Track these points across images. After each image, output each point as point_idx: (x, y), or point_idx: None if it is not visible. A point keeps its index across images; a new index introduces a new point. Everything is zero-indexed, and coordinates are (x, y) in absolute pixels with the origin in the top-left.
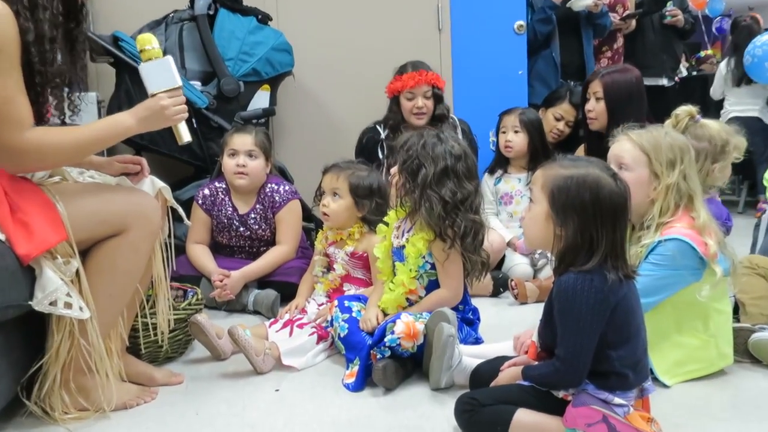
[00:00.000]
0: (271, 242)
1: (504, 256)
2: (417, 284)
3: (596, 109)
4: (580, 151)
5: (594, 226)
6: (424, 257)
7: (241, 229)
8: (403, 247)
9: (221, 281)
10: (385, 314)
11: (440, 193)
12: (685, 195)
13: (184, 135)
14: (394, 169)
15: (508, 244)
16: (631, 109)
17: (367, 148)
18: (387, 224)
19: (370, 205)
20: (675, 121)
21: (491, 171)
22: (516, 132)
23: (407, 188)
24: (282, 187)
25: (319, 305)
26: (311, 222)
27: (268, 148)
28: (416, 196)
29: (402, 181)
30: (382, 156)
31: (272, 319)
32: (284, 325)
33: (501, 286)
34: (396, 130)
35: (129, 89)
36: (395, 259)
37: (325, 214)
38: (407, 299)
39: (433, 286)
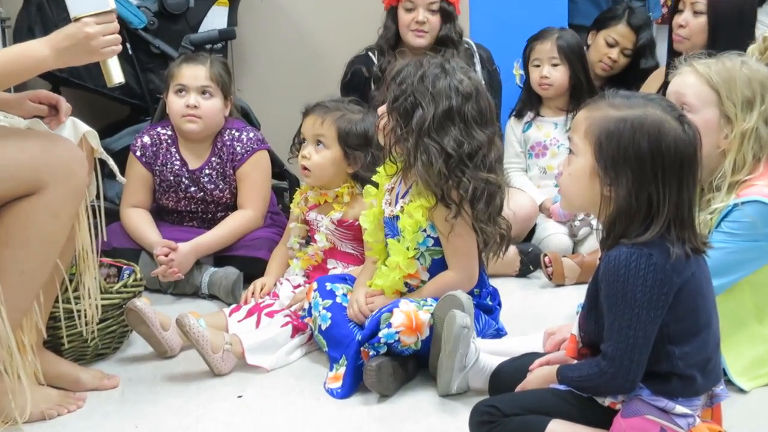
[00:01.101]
0: (232, 206)
1: (535, 224)
2: (417, 266)
3: (692, 25)
4: (654, 82)
5: (654, 185)
6: (425, 231)
7: (192, 188)
8: (397, 217)
9: (166, 256)
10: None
11: (441, 142)
12: (766, 145)
13: (115, 74)
14: (381, 109)
15: (541, 208)
16: (739, 32)
17: (354, 82)
18: (376, 186)
19: (365, 158)
20: (763, 46)
21: (518, 114)
22: (554, 65)
23: (398, 135)
24: (245, 134)
25: (295, 287)
26: (284, 180)
27: (227, 82)
28: (410, 146)
29: (392, 125)
30: (376, 92)
31: (233, 306)
32: (249, 314)
33: (531, 262)
34: (388, 55)
35: (43, 4)
36: (388, 233)
37: (305, 168)
38: (406, 284)
39: (438, 267)
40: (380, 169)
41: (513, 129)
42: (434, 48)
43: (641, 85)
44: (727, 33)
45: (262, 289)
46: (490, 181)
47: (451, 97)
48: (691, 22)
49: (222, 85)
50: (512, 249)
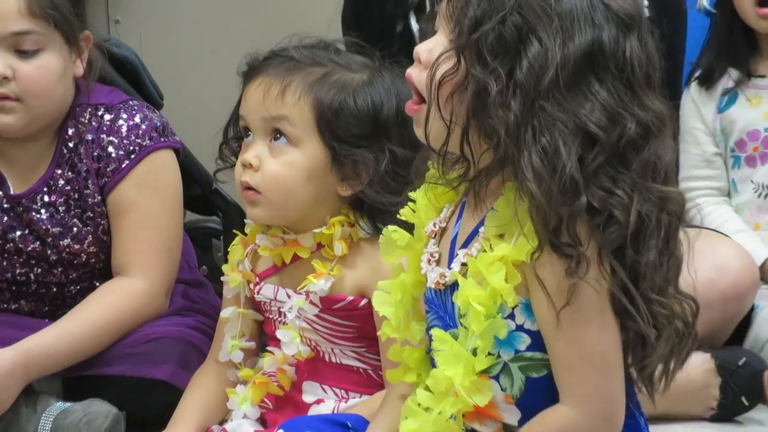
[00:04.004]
0: (102, 271)
1: (753, 307)
2: (493, 391)
3: None
4: None
5: None
6: (511, 316)
7: (17, 233)
8: (454, 287)
9: None
10: None
11: (577, 114)
12: None
13: None
14: (435, 43)
15: (763, 271)
16: None
17: (367, 8)
18: (409, 228)
19: (376, 164)
20: None
21: (707, 77)
22: None
23: (480, 99)
24: (126, 117)
25: None
26: (212, 214)
27: (70, 12)
28: (510, 121)
29: (463, 77)
30: (416, 33)
31: None
32: None
33: (742, 389)
34: None
35: None
36: (434, 321)
37: (249, 188)
38: None
39: (538, 395)
40: (418, 193)
41: (697, 108)
42: None
43: None
44: None
45: None
46: (670, 202)
47: (597, 24)
48: None
49: (58, 21)
50: (702, 360)
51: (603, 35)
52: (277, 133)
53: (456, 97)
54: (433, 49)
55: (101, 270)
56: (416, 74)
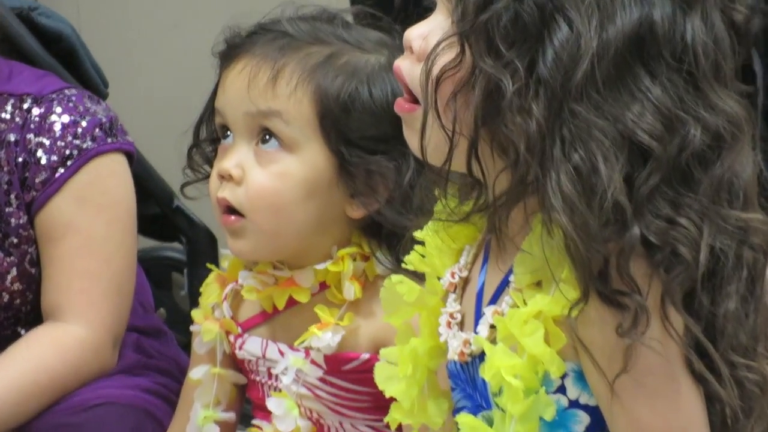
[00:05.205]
0: (32, 314)
1: None
2: None
3: None
4: None
5: None
6: (561, 391)
7: None
8: (480, 358)
9: None
10: None
11: (622, 119)
12: None
13: None
14: (420, 28)
15: None
16: None
17: None
18: (423, 259)
19: (397, 174)
20: None
21: None
22: None
23: (491, 101)
24: (60, 111)
25: None
26: (173, 239)
27: None
28: (532, 130)
29: (462, 67)
30: None
31: None
32: None
33: None
34: None
35: None
36: (461, 402)
37: (229, 210)
38: None
39: None
40: (427, 232)
41: None
42: None
43: None
44: None
45: None
46: (753, 233)
47: (647, 3)
48: None
49: None
50: None
51: (654, 13)
52: (266, 134)
53: (460, 99)
54: (429, 34)
55: (28, 314)
56: (407, 68)
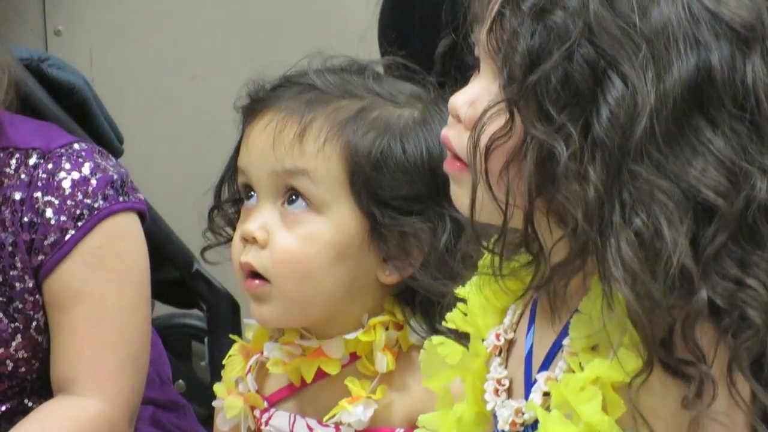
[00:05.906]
0: (39, 385)
1: None
2: None
3: None
4: None
5: None
6: None
7: None
8: (531, 427)
9: None
10: None
11: (686, 178)
12: None
13: None
14: (467, 94)
15: None
16: None
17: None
18: (465, 318)
19: (433, 236)
20: None
21: None
22: None
23: (541, 163)
24: (68, 168)
25: None
26: (192, 305)
27: None
28: (590, 196)
29: (512, 134)
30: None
31: None
32: None
33: None
34: None
35: None
36: None
37: (253, 275)
38: None
39: None
40: (470, 288)
41: None
42: None
43: None
44: None
45: None
46: None
47: (702, 44)
48: None
49: None
50: None
51: (712, 58)
52: (292, 194)
53: (512, 170)
54: (476, 100)
55: (35, 384)
56: (455, 137)
